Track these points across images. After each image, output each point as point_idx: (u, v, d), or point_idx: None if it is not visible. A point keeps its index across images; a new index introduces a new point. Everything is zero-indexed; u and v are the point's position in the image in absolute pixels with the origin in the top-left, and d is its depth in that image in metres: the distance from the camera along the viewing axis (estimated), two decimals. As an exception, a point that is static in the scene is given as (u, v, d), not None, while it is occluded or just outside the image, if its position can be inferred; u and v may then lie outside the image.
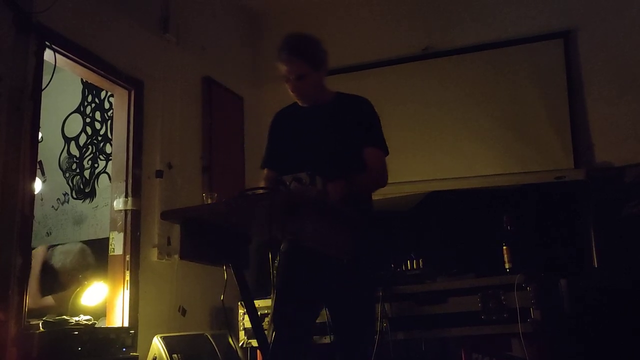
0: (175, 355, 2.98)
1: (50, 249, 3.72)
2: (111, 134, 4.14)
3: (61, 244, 3.88)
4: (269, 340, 2.10)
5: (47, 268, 3.62)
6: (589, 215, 3.62)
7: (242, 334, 3.34)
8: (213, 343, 3.27)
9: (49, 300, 3.50)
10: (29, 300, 2.96)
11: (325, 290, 2.20)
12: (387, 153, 2.36)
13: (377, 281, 2.80)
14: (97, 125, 4.64)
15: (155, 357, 2.99)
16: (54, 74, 2.90)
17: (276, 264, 2.25)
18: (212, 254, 2.22)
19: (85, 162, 4.63)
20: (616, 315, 2.97)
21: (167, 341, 3.03)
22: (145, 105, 3.55)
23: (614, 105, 3.86)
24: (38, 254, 3.62)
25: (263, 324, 3.00)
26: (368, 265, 2.25)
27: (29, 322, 2.64)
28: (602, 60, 3.95)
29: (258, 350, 3.20)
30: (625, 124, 3.80)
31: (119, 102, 3.54)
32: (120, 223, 3.32)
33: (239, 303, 3.32)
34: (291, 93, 2.35)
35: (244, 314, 3.32)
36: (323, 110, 2.34)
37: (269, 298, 3.15)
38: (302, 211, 1.89)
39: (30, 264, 2.80)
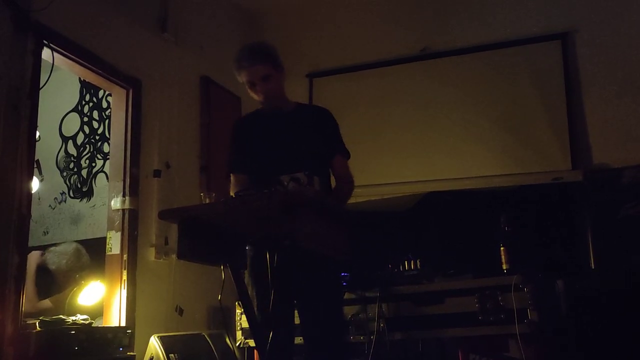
0: (173, 355, 2.98)
1: (45, 252, 3.68)
2: (109, 133, 4.13)
3: (56, 244, 3.86)
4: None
5: (42, 271, 3.60)
6: (587, 217, 3.62)
7: (239, 334, 3.34)
8: (210, 343, 3.27)
9: (47, 303, 3.49)
10: (26, 305, 2.97)
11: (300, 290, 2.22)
12: (349, 158, 2.47)
13: (342, 283, 2.83)
14: (95, 125, 4.63)
15: (152, 357, 2.99)
16: (52, 73, 2.90)
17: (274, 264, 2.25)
18: (210, 253, 2.21)
19: (82, 161, 4.63)
20: (613, 316, 2.97)
21: (164, 341, 3.03)
22: (143, 104, 3.54)
23: (612, 107, 3.87)
24: (32, 259, 3.59)
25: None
26: (335, 265, 2.27)
27: (26, 321, 2.63)
28: (599, 61, 3.96)
29: (255, 350, 3.19)
30: (622, 126, 3.81)
31: (117, 101, 3.53)
32: (117, 222, 3.32)
33: (236, 303, 3.32)
34: (257, 97, 2.39)
35: (241, 313, 3.31)
36: (287, 115, 2.40)
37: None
38: (300, 211, 1.89)
39: (26, 263, 2.78)
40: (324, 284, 2.24)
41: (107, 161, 4.29)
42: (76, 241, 3.98)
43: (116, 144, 3.47)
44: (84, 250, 3.69)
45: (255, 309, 2.25)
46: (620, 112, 3.83)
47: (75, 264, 3.61)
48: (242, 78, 2.38)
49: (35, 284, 3.54)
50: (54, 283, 3.60)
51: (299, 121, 2.39)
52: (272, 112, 2.40)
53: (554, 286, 3.10)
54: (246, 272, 2.32)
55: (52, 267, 3.59)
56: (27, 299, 3.29)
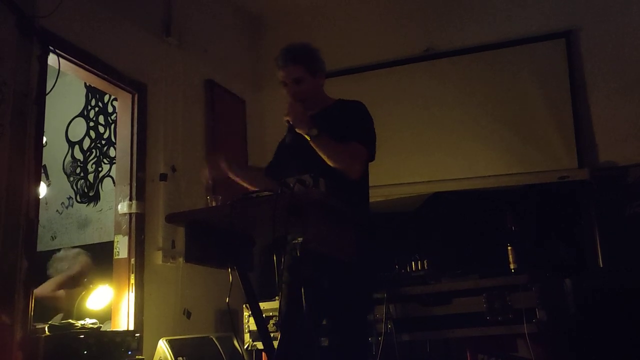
0: (181, 358, 2.99)
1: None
2: (115, 138, 4.15)
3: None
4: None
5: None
6: (594, 215, 3.61)
7: (247, 337, 3.35)
8: (218, 346, 3.27)
9: (60, 292, 3.54)
10: (41, 289, 3.06)
11: (325, 292, 2.21)
12: (371, 154, 2.32)
13: (373, 285, 2.80)
14: (101, 129, 4.65)
15: (161, 360, 3.00)
16: (58, 78, 2.91)
17: (282, 267, 2.25)
18: (217, 256, 2.22)
19: (89, 166, 4.64)
20: (621, 315, 2.96)
21: (172, 344, 3.04)
22: (149, 108, 3.55)
23: (617, 105, 3.85)
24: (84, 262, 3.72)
25: (268, 326, 3.00)
26: (364, 269, 2.25)
27: (35, 325, 2.65)
28: (604, 59, 3.95)
29: (263, 353, 3.20)
30: (628, 123, 3.80)
31: (122, 106, 3.54)
32: (124, 226, 3.33)
33: (244, 305, 3.33)
34: (289, 98, 2.36)
35: (249, 316, 3.32)
36: (320, 116, 2.35)
37: (274, 300, 3.17)
38: (305, 213, 1.89)
39: (35, 267, 2.80)
40: (348, 292, 2.22)
41: (114, 165, 4.31)
42: (83, 246, 4.03)
43: (122, 148, 3.48)
44: (84, 253, 3.78)
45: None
46: (626, 110, 3.82)
47: (87, 264, 3.71)
48: (278, 77, 2.39)
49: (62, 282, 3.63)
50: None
51: (321, 124, 2.29)
52: None
53: (561, 285, 3.10)
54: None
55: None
56: (45, 287, 3.48)
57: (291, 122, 2.20)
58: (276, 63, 2.36)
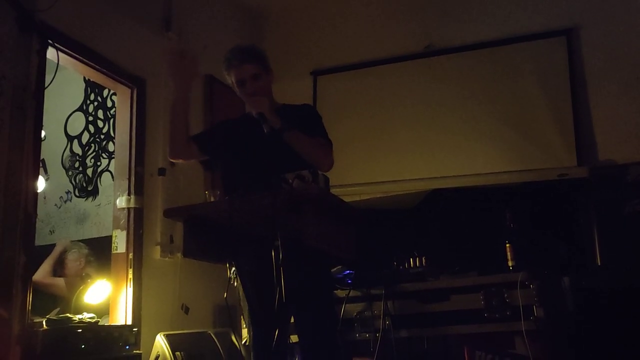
0: (179, 353, 2.99)
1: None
2: (114, 132, 4.14)
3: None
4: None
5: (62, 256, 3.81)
6: (592, 213, 3.61)
7: (245, 332, 3.35)
8: (216, 341, 3.28)
9: (60, 280, 3.57)
10: (39, 275, 3.08)
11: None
12: (331, 146, 2.39)
13: (334, 280, 2.89)
14: (100, 124, 4.64)
15: (159, 355, 3.00)
16: (57, 73, 2.90)
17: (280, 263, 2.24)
18: (215, 251, 2.22)
19: (88, 161, 4.64)
20: (619, 313, 2.97)
21: (170, 339, 3.04)
22: (148, 103, 3.55)
23: (618, 103, 3.85)
24: (60, 242, 3.91)
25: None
26: (325, 262, 2.27)
27: (33, 320, 2.65)
28: (605, 57, 3.94)
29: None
30: (628, 122, 3.79)
31: (121, 100, 3.54)
32: (123, 221, 3.32)
33: (244, 301, 3.33)
34: (245, 97, 2.41)
35: (247, 311, 3.32)
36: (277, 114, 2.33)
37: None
38: (305, 209, 1.89)
39: (33, 262, 2.81)
40: (317, 282, 2.22)
41: (112, 160, 4.30)
42: (82, 240, 4.04)
43: (121, 142, 3.48)
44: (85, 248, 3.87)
45: (252, 308, 2.25)
46: (626, 108, 3.81)
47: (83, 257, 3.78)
48: (231, 77, 2.42)
49: (54, 264, 3.74)
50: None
51: (288, 119, 2.33)
52: (253, 116, 2.36)
53: (559, 283, 3.10)
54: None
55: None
56: (43, 272, 3.60)
57: (266, 116, 2.22)
58: (228, 64, 2.39)
